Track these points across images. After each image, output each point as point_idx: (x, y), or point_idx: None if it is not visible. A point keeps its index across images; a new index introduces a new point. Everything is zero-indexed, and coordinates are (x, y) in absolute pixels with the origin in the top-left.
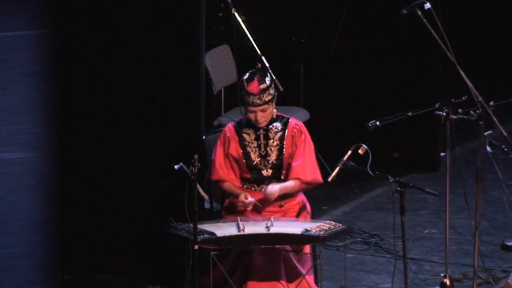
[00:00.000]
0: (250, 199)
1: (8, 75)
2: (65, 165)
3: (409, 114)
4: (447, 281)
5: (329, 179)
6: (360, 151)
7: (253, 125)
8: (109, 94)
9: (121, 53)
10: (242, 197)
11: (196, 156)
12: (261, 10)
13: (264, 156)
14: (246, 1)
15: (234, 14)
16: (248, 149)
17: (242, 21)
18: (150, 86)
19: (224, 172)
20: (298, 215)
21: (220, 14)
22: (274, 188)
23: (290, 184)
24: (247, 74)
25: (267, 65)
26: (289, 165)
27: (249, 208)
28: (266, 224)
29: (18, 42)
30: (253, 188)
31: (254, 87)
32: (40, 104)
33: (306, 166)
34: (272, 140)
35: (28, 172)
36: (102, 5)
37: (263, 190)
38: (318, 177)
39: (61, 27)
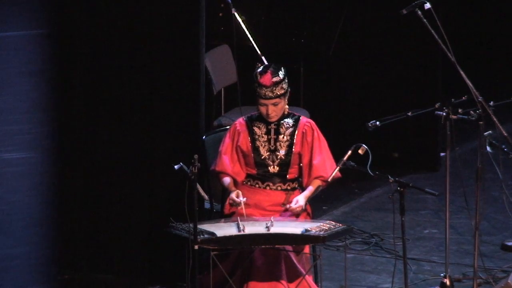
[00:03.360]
0: (242, 198)
1: (8, 75)
2: (65, 165)
3: (409, 114)
4: (447, 281)
5: (329, 179)
6: (360, 151)
7: (264, 120)
8: (109, 94)
9: (121, 53)
10: (233, 195)
11: (196, 156)
12: (261, 10)
13: (273, 151)
14: (246, 1)
15: (234, 14)
16: (258, 143)
17: (242, 21)
18: (150, 86)
19: (229, 164)
20: (298, 215)
21: (220, 14)
22: (299, 203)
23: (313, 188)
24: (261, 67)
25: None
26: (308, 165)
27: (239, 208)
28: (266, 224)
29: (18, 42)
30: (257, 185)
31: (267, 79)
32: (40, 104)
33: (326, 163)
34: (282, 136)
35: (28, 172)
36: (102, 5)
37: (287, 206)
38: (337, 172)
39: (61, 27)
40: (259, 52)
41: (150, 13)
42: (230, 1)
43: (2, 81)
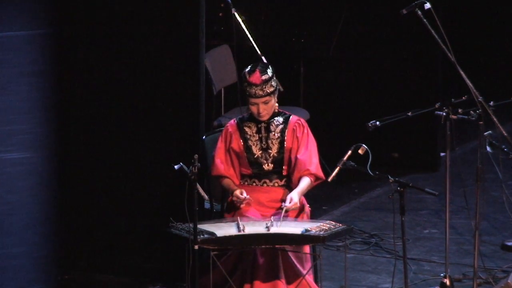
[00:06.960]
0: (246, 195)
1: (8, 75)
2: (65, 165)
3: (409, 114)
4: (447, 281)
5: (329, 179)
6: (360, 151)
7: (254, 119)
8: (109, 94)
9: (121, 53)
10: (237, 192)
11: (196, 156)
12: (261, 10)
13: (265, 149)
14: (246, 1)
15: (234, 14)
16: (250, 142)
17: (242, 21)
18: (150, 86)
19: (224, 167)
20: (297, 216)
21: (220, 14)
22: (293, 200)
23: (304, 184)
24: (248, 67)
25: None
26: (294, 159)
27: (243, 205)
28: (266, 224)
29: (18, 42)
30: (254, 184)
31: (256, 77)
32: (40, 104)
33: (312, 159)
34: (273, 133)
35: (28, 172)
36: (102, 5)
37: (283, 206)
38: (321, 173)
39: (61, 27)
40: (259, 52)
41: (150, 13)
42: (230, 1)
43: (2, 81)
